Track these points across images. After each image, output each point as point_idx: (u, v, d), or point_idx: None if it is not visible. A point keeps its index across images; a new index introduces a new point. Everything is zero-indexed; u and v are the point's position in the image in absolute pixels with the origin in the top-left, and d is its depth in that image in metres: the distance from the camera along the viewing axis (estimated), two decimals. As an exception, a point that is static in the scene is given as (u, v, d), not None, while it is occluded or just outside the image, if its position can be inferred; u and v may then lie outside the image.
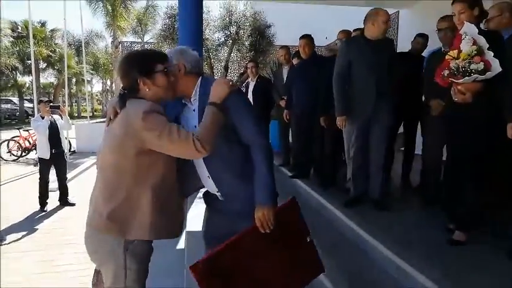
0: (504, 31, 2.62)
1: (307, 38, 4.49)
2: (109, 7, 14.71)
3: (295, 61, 5.16)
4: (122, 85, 1.64)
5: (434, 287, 2.09)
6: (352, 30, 4.22)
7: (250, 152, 1.68)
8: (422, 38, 4.24)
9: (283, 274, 1.72)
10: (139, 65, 1.60)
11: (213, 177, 1.74)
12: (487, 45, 2.25)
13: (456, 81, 2.35)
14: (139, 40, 19.76)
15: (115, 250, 1.62)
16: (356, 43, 3.34)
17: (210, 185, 1.80)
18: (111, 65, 23.53)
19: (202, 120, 1.57)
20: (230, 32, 8.53)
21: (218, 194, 1.79)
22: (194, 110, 1.71)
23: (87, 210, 1.73)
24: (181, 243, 3.74)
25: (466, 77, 2.28)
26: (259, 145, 1.67)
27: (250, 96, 5.51)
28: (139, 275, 1.69)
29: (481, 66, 2.23)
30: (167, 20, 8.07)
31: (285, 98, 5.11)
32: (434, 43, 3.83)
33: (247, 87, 5.75)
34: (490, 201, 2.69)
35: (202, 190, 1.97)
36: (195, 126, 1.65)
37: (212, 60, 8.00)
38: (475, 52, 2.26)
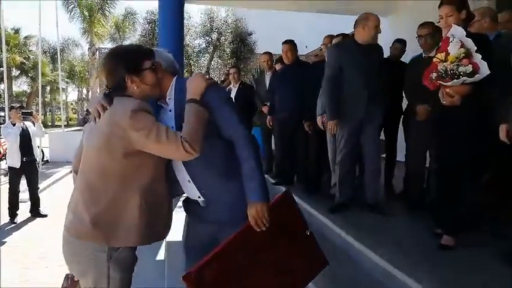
0: None
1: (290, 43, 4.46)
2: (86, 13, 14.38)
3: (278, 66, 5.13)
4: (106, 83, 1.52)
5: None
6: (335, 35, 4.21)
7: (235, 148, 1.57)
8: (400, 44, 4.30)
9: (283, 273, 1.62)
10: (127, 62, 1.48)
11: (194, 180, 1.62)
12: (475, 48, 2.24)
13: (445, 84, 2.33)
14: (117, 47, 19.45)
15: (97, 258, 1.49)
16: (346, 47, 3.32)
17: (190, 190, 1.66)
18: (87, 73, 23.05)
19: (186, 120, 1.46)
20: (211, 39, 8.45)
21: (200, 199, 1.66)
22: (170, 111, 1.61)
23: (63, 218, 1.60)
24: (161, 254, 3.57)
25: (455, 80, 2.26)
26: (243, 137, 1.56)
27: (232, 102, 5.41)
28: (123, 284, 1.57)
29: (469, 68, 2.22)
30: (147, 26, 7.95)
31: (268, 104, 5.05)
32: (412, 50, 3.87)
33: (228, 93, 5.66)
34: (486, 202, 2.69)
35: (183, 197, 1.84)
36: (173, 127, 1.54)
37: (193, 67, 7.89)
38: (463, 55, 2.25)
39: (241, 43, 8.32)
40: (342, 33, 4.07)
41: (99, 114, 1.49)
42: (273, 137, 5.35)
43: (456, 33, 2.32)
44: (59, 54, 11.91)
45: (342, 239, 2.93)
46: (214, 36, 8.43)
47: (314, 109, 3.94)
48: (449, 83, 2.31)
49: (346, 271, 2.57)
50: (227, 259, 1.48)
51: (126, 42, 22.43)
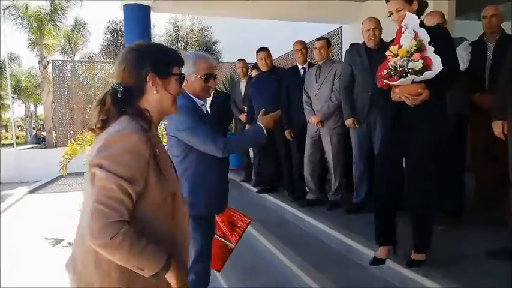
0: None
1: (267, 50, 4.45)
2: (34, 23, 13.54)
3: (254, 73, 5.09)
4: (120, 80, 1.22)
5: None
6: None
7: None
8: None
9: None
10: (156, 58, 1.22)
11: None
12: (429, 39, 2.03)
13: (391, 83, 2.08)
14: (70, 59, 18.53)
15: None
16: (357, 51, 3.44)
17: None
18: (35, 88, 21.69)
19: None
20: (177, 48, 8.28)
21: None
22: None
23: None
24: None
25: (402, 79, 2.02)
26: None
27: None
28: None
29: (419, 64, 1.98)
30: (109, 35, 7.63)
31: (245, 111, 5.00)
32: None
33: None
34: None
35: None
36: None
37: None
38: (415, 48, 2.01)
39: (207, 52, 8.24)
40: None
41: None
42: (250, 145, 5.31)
43: (410, 22, 2.08)
44: (7, 68, 11.15)
45: (344, 244, 2.92)
46: (181, 45, 8.27)
47: (293, 116, 4.00)
48: (396, 82, 2.05)
49: (351, 276, 2.55)
50: None
51: (79, 54, 21.49)
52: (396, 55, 2.06)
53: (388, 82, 2.08)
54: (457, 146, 2.96)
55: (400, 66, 2.02)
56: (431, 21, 2.88)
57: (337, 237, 3.02)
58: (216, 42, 8.69)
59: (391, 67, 2.06)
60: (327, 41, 3.82)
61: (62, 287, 1.47)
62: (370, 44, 3.28)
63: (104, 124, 1.18)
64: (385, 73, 2.09)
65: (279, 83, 4.23)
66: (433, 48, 2.00)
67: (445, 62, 2.00)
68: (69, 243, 4.85)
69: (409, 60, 2.00)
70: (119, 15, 6.24)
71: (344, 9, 5.93)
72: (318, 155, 3.83)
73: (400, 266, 2.34)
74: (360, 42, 4.26)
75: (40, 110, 28.65)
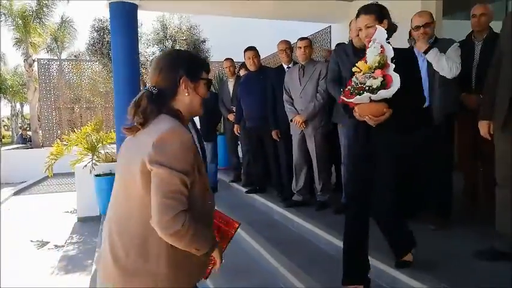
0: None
1: (255, 50, 4.42)
2: (20, 21, 13.23)
3: (242, 72, 5.04)
4: (153, 83, 1.35)
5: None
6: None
7: None
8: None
9: None
10: (188, 64, 1.37)
11: None
12: (392, 55, 1.95)
13: (347, 100, 2.02)
14: (56, 58, 18.22)
15: None
16: (344, 50, 3.36)
17: None
18: (21, 87, 21.30)
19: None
20: (165, 46, 8.17)
21: None
22: None
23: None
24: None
25: (358, 96, 1.94)
26: None
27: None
28: None
29: (377, 82, 1.89)
30: (95, 34, 7.48)
31: (234, 111, 4.96)
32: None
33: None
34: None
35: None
36: None
37: (145, 77, 7.58)
38: (377, 64, 1.93)
39: (196, 51, 8.14)
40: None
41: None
42: (239, 145, 5.27)
43: (379, 36, 2.00)
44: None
45: (332, 245, 2.91)
46: (169, 43, 8.16)
47: (280, 116, 3.97)
48: (351, 100, 1.98)
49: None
50: None
51: (66, 52, 21.16)
52: (361, 71, 2.00)
53: (345, 99, 2.02)
54: (445, 145, 2.96)
55: (360, 83, 1.95)
56: (419, 21, 2.88)
57: (325, 238, 3.01)
58: (204, 41, 8.59)
59: (353, 84, 1.99)
60: (310, 41, 3.80)
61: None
62: (358, 43, 3.26)
63: (144, 123, 1.28)
64: (346, 89, 2.03)
65: (266, 83, 4.19)
66: (394, 66, 1.92)
67: (407, 83, 1.92)
68: (56, 246, 4.77)
69: (369, 77, 1.92)
70: (105, 13, 6.11)
71: (333, 9, 5.92)
72: (304, 155, 3.81)
73: (388, 267, 2.34)
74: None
75: (27, 109, 28.14)
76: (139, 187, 1.22)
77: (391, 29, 2.13)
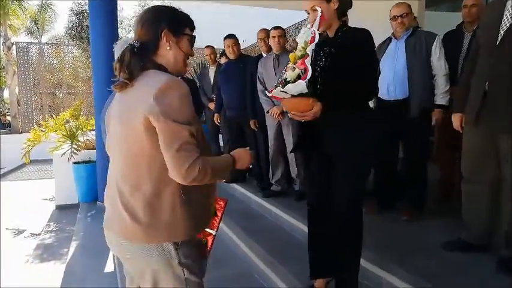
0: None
1: (234, 38, 4.34)
2: (-3, 3, 12.78)
3: (223, 60, 4.97)
4: (136, 37, 1.33)
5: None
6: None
7: None
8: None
9: None
10: (171, 17, 1.35)
11: None
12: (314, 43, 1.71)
13: (268, 94, 1.87)
14: (36, 41, 17.68)
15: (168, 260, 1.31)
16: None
17: None
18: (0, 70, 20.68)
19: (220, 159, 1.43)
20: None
21: None
22: None
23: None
24: (110, 266, 3.29)
25: (274, 90, 1.78)
26: None
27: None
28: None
29: (293, 75, 1.69)
30: (73, 17, 7.26)
31: (214, 100, 4.90)
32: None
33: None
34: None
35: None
36: None
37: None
38: (301, 52, 1.71)
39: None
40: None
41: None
42: (220, 134, 5.23)
43: (315, 18, 1.77)
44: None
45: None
46: (150, 29, 8.00)
47: (257, 107, 3.91)
48: (270, 94, 1.84)
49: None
50: None
51: (46, 36, 20.55)
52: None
53: (268, 94, 1.88)
54: (421, 138, 2.98)
55: (282, 76, 1.75)
56: (396, 11, 2.87)
57: (300, 228, 3.02)
58: (187, 27, 8.45)
59: (282, 76, 1.77)
60: (283, 31, 3.74)
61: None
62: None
63: (130, 78, 1.27)
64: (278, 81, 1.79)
65: (246, 71, 4.14)
66: (310, 55, 1.70)
67: (353, 69, 1.76)
68: (32, 234, 4.69)
69: (293, 68, 1.71)
70: (84, -4, 5.92)
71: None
72: (281, 146, 3.79)
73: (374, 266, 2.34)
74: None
75: (7, 94, 27.38)
76: (145, 144, 1.23)
77: (345, 6, 1.92)
